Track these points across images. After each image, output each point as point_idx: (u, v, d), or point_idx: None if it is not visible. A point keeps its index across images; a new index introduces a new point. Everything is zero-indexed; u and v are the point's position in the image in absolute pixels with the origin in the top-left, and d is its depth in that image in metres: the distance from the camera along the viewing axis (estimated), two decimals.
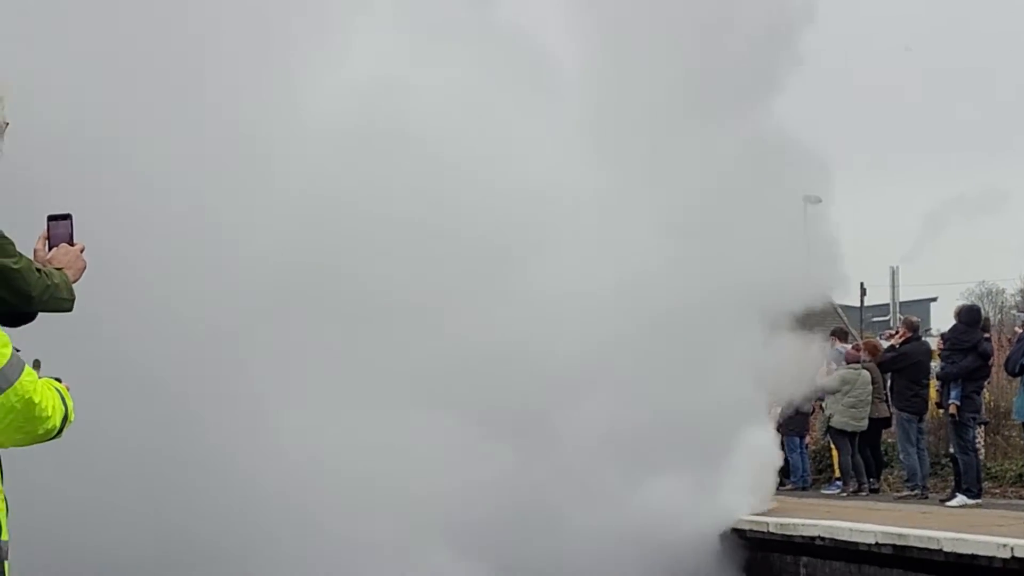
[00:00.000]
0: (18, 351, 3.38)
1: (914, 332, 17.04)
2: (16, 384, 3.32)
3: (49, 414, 3.41)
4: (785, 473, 17.88)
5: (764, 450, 15.13)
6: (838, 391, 17.20)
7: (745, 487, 14.37)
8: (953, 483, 15.68)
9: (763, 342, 14.50)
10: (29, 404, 3.34)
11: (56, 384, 3.50)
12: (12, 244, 3.90)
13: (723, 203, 13.76)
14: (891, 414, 17.52)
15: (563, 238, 13.14)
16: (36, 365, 3.46)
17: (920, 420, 16.43)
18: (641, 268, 13.24)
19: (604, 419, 13.05)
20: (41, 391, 3.38)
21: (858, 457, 17.40)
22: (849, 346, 18.75)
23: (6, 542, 3.36)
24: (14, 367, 3.32)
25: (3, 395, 3.29)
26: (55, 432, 3.48)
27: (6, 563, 3.36)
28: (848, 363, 17.59)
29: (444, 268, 11.92)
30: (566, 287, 12.78)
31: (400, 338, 11.74)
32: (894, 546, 12.19)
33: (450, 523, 11.72)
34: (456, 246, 12.06)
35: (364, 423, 11.33)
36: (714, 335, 13.75)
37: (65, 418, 3.50)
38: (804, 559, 13.66)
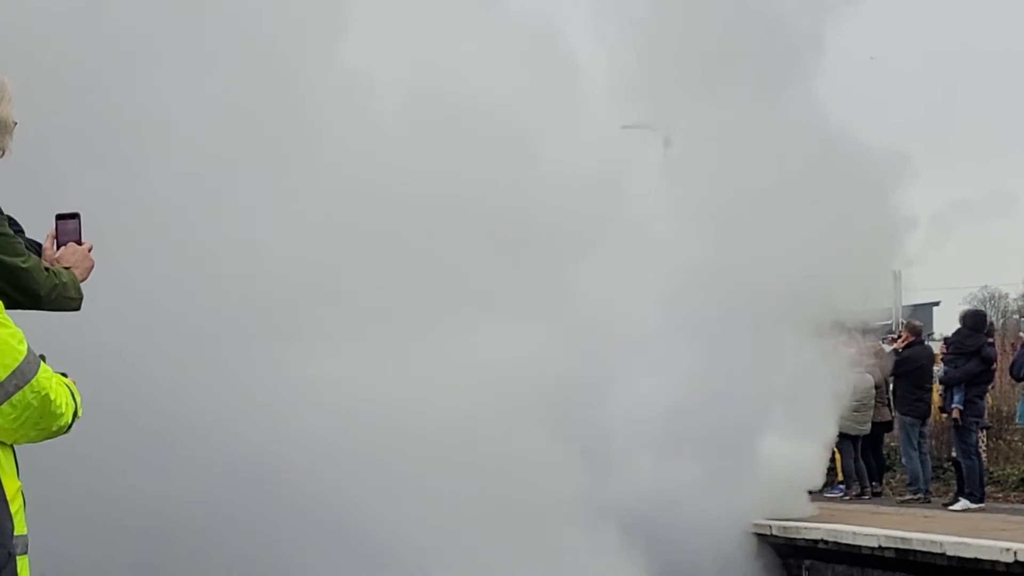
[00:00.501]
0: None
1: (917, 336, 17.04)
2: (33, 381, 3.33)
3: (63, 411, 3.43)
4: None
5: (808, 454, 14.94)
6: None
7: (763, 489, 14.16)
8: (955, 487, 15.70)
9: (813, 345, 14.38)
10: (46, 401, 3.36)
11: (64, 380, 3.52)
12: (20, 243, 3.91)
13: (767, 196, 13.62)
14: (893, 418, 17.51)
15: (613, 230, 13.14)
16: (41, 359, 3.47)
17: (923, 424, 16.43)
18: (680, 263, 13.23)
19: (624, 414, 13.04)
20: (56, 388, 3.40)
21: (860, 461, 17.39)
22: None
23: (24, 536, 3.38)
24: (31, 364, 3.34)
25: (20, 392, 3.31)
26: (66, 428, 3.50)
27: (25, 557, 3.37)
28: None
29: (497, 254, 11.80)
30: (616, 279, 12.72)
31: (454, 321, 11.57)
32: (897, 550, 12.22)
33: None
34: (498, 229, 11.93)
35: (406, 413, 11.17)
36: (759, 334, 13.64)
37: (74, 413, 3.52)
38: (807, 562, 13.67)
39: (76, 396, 3.54)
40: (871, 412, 17.19)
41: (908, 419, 16.36)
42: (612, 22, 13.65)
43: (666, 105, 13.82)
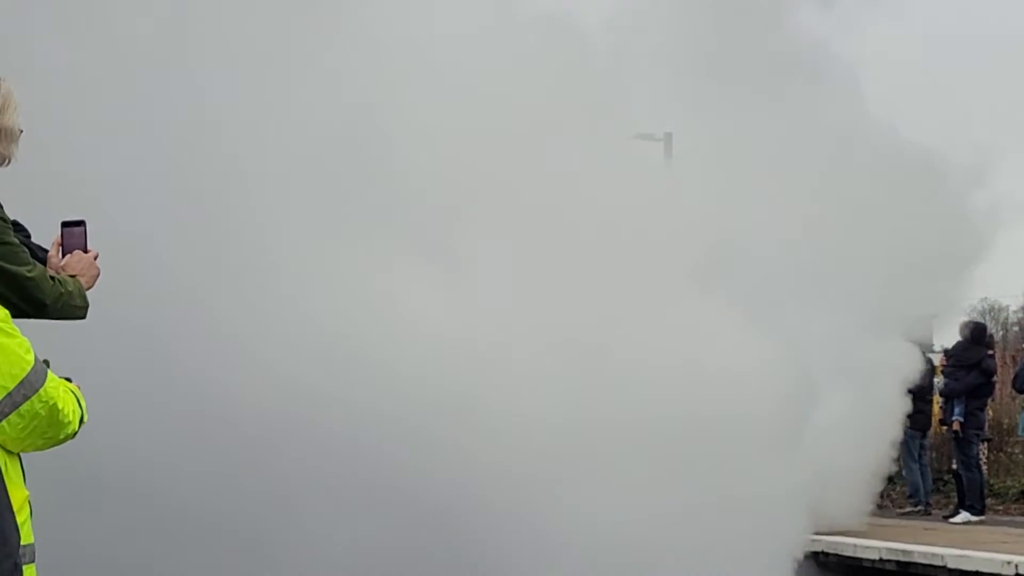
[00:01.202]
0: None
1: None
2: (41, 391, 3.33)
3: (70, 419, 3.43)
4: None
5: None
6: None
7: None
8: (956, 499, 15.67)
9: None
10: (53, 410, 3.36)
11: (70, 386, 3.50)
12: (25, 252, 3.89)
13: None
14: None
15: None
16: (46, 364, 3.46)
17: (923, 436, 16.40)
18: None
19: None
20: (63, 396, 3.39)
21: None
22: None
23: (32, 545, 3.37)
24: (39, 374, 3.34)
25: (28, 402, 3.31)
26: (72, 435, 3.50)
27: (32, 567, 3.36)
28: None
29: None
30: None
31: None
32: (898, 562, 12.20)
33: None
34: None
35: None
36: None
37: (80, 419, 3.51)
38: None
39: (82, 402, 3.53)
40: None
41: (908, 431, 16.32)
42: (628, 26, 13.54)
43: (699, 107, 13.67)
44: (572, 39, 12.01)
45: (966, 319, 16.88)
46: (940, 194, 13.94)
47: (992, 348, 16.43)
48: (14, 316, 3.53)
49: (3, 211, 3.79)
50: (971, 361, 15.17)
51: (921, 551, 12.07)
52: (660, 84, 13.68)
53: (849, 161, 13.63)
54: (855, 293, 13.41)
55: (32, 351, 3.35)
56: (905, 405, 14.59)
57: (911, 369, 14.56)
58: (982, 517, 15.08)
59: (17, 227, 4.02)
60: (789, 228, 13.19)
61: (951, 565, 11.55)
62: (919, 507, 16.18)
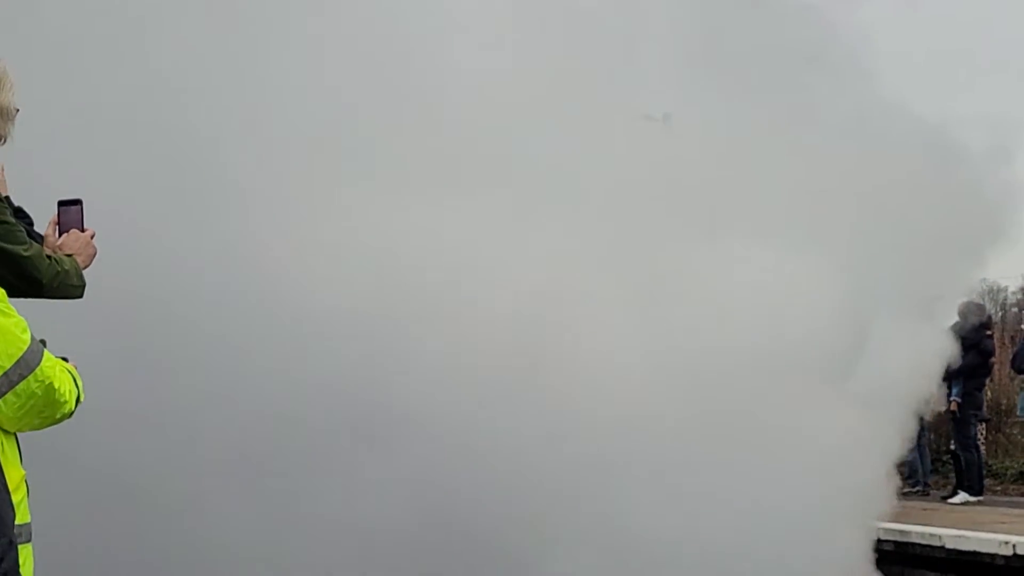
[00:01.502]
0: None
1: None
2: (37, 370, 3.33)
3: (66, 399, 3.43)
4: None
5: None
6: None
7: None
8: (954, 480, 15.70)
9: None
10: (50, 390, 3.36)
11: (66, 366, 3.50)
12: (22, 231, 3.90)
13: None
14: None
15: None
16: (42, 344, 3.46)
17: (921, 417, 16.42)
18: None
19: None
20: (59, 375, 3.40)
21: None
22: None
23: (28, 524, 3.37)
24: (35, 353, 3.34)
25: (24, 381, 3.31)
26: (69, 415, 3.50)
27: (29, 546, 3.36)
28: None
29: None
30: None
31: None
32: (896, 542, 12.21)
33: None
34: None
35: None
36: None
37: (77, 399, 3.51)
38: None
39: (78, 381, 3.53)
40: None
41: None
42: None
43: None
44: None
45: (965, 300, 16.85)
46: (956, 174, 13.85)
47: (991, 328, 16.44)
48: (11, 295, 3.52)
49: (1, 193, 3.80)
50: (969, 342, 15.15)
51: (919, 531, 12.09)
52: (660, 65, 13.60)
53: (861, 140, 13.54)
54: (868, 274, 13.32)
55: (29, 330, 3.35)
56: (927, 388, 14.49)
57: (934, 352, 14.48)
58: (980, 498, 15.11)
59: (20, 214, 4.02)
60: (800, 208, 13.10)
61: (949, 545, 11.58)
62: (917, 488, 16.19)
